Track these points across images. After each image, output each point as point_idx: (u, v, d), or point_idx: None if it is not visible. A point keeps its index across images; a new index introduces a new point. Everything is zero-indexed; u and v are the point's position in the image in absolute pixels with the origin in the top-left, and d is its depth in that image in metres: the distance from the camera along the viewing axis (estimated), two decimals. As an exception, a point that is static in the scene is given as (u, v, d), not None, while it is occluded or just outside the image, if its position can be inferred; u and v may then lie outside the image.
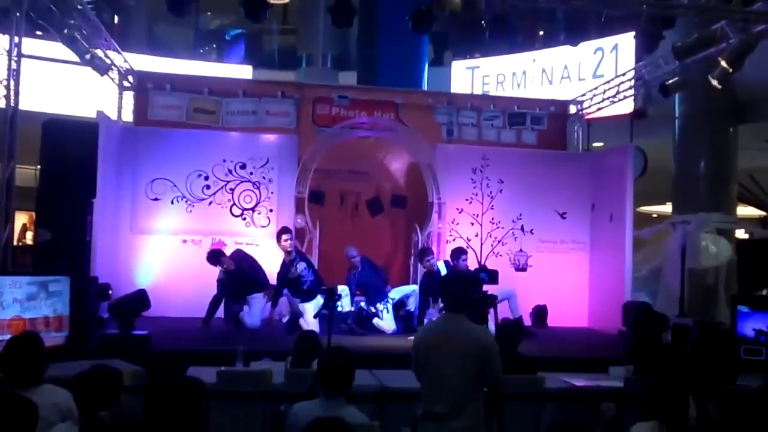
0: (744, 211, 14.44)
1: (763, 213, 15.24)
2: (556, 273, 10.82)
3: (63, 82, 12.63)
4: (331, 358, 4.21)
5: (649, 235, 11.37)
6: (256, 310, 9.06)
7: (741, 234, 12.69)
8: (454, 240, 10.59)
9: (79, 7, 8.76)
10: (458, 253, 9.42)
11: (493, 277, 9.25)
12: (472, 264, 10.04)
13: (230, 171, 10.37)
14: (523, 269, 10.82)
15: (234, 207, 10.38)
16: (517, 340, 5.99)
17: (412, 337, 4.51)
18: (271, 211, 10.42)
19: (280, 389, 5.37)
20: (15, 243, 15.10)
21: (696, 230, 9.83)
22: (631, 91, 11.24)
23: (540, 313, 10.45)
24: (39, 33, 10.65)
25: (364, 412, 4.17)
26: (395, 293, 9.54)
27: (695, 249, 9.78)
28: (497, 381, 4.19)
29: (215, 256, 9.22)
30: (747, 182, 13.39)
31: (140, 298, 7.82)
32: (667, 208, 15.72)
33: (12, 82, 7.87)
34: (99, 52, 9.65)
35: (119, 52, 10.47)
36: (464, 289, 4.36)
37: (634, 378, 5.56)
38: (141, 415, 3.50)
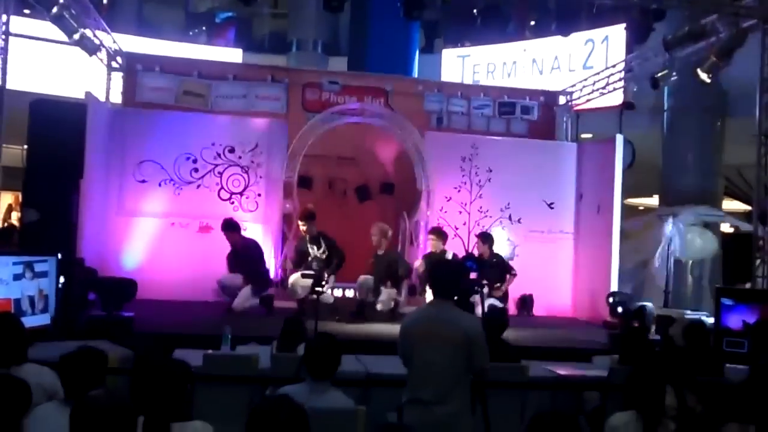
0: (730, 205, 14.53)
1: (749, 207, 15.33)
2: (543, 263, 10.85)
3: (51, 62, 12.53)
4: (317, 342, 4.22)
5: (636, 227, 11.43)
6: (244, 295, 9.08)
7: (726, 228, 12.79)
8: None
9: (68, -14, 8.68)
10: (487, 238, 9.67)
11: (479, 264, 9.25)
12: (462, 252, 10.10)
13: (219, 154, 10.33)
14: (510, 258, 10.84)
15: (222, 191, 10.34)
16: (503, 327, 6.03)
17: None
18: (259, 195, 10.39)
19: (266, 373, 5.39)
20: (1, 224, 15.06)
21: (682, 223, 9.90)
22: (621, 83, 11.27)
23: (525, 302, 10.49)
24: (27, 12, 10.57)
25: (350, 397, 4.19)
26: None
27: (681, 241, 9.85)
28: (484, 369, 4.22)
29: (230, 226, 9.21)
30: (733, 176, 13.47)
31: (128, 287, 7.79)
32: (653, 200, 15.80)
33: (0, 62, 7.81)
34: (88, 32, 9.57)
35: (108, 33, 10.39)
36: (452, 276, 4.38)
37: (618, 368, 5.61)
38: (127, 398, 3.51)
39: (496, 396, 4.91)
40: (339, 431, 3.80)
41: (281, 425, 2.37)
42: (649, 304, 8.58)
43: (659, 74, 9.75)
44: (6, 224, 14.96)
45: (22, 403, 2.94)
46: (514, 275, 9.75)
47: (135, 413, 2.47)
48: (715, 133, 12.14)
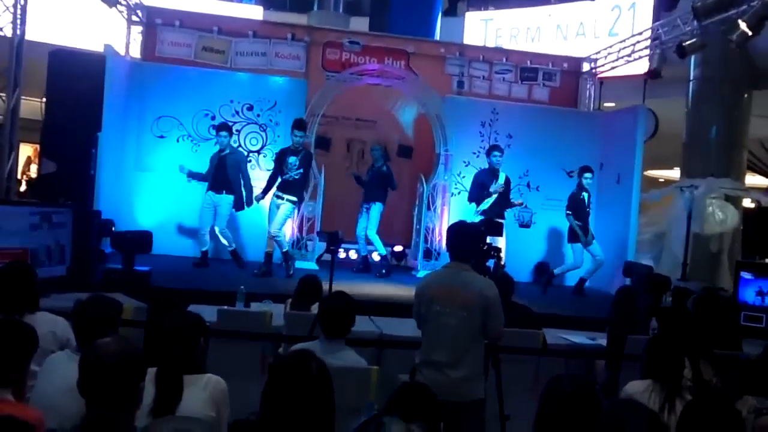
0: (752, 179, 14.34)
1: (771, 182, 15.14)
2: (560, 231, 10.78)
3: (71, 14, 12.44)
4: (332, 300, 4.20)
5: (654, 198, 11.30)
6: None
7: (748, 203, 12.62)
8: (459, 193, 10.53)
9: (89, -64, 8.57)
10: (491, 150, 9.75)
11: (495, 229, 9.21)
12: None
13: (237, 112, 10.27)
14: (527, 225, 10.77)
15: (239, 148, 10.29)
16: (511, 288, 5.94)
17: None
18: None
19: (280, 331, 5.38)
20: (19, 176, 15.14)
21: (703, 195, 9.77)
22: (647, 51, 11.05)
23: (541, 270, 10.44)
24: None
25: (363, 357, 4.17)
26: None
27: (701, 214, 9.73)
28: (498, 334, 4.18)
29: (227, 127, 9.43)
30: (757, 150, 13.25)
31: (144, 238, 7.79)
32: (674, 173, 15.63)
33: (19, 10, 7.74)
34: (108, -16, 9.48)
35: (129, -14, 10.29)
36: (470, 239, 4.33)
37: (632, 338, 5.55)
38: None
39: (510, 362, 4.89)
40: (351, 390, 3.78)
41: (311, 379, 2.32)
42: (666, 276, 8.47)
43: (687, 43, 9.53)
44: (24, 176, 15.05)
45: (27, 347, 2.93)
46: (520, 203, 10.08)
47: (144, 360, 2.45)
48: (741, 106, 11.91)
